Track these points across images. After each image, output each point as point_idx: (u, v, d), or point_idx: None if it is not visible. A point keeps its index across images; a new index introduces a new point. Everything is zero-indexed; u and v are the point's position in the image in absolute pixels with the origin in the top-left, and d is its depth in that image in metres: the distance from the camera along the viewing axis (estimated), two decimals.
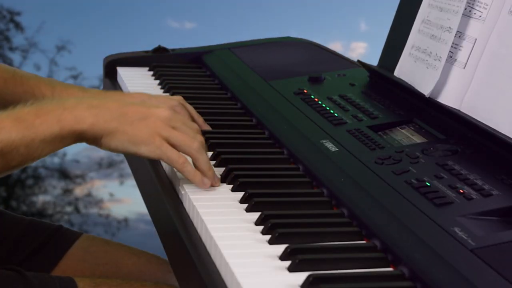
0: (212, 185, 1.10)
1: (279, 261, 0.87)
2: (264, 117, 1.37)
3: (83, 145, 1.11)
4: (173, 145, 1.08)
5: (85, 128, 1.06)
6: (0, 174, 1.06)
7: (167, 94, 1.56)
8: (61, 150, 1.19)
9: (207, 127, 1.33)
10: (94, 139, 1.07)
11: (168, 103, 1.26)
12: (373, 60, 1.53)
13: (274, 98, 1.46)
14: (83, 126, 1.05)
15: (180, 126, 1.10)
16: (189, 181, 1.09)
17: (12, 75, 1.40)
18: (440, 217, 0.93)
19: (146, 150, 1.07)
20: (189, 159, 1.10)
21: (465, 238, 0.87)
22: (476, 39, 1.23)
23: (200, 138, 1.11)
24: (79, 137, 1.07)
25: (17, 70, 1.43)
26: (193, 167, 1.09)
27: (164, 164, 1.21)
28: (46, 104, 1.07)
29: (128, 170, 1.48)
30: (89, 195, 5.34)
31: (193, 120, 1.33)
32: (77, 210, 5.21)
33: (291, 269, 0.85)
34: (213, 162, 1.19)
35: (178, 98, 1.35)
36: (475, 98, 1.20)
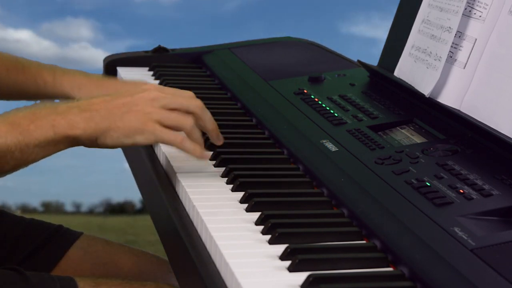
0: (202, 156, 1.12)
1: (279, 261, 0.87)
2: (264, 117, 1.37)
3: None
4: (167, 127, 1.09)
5: (79, 133, 1.07)
6: None
7: None
8: None
9: (220, 141, 1.20)
10: (90, 142, 1.08)
11: (155, 85, 1.16)
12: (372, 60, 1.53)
13: (274, 98, 1.46)
14: (76, 132, 1.06)
15: (170, 100, 1.10)
16: (189, 177, 1.11)
17: (14, 63, 1.40)
18: (440, 217, 0.93)
19: (141, 139, 1.08)
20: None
21: (465, 238, 0.87)
22: (476, 39, 1.23)
23: (196, 103, 1.12)
24: (73, 141, 1.08)
25: (19, 58, 1.43)
26: (191, 142, 1.10)
27: (163, 163, 1.21)
28: (39, 109, 1.08)
29: None
30: None
31: (207, 130, 1.17)
32: None
33: (291, 269, 0.85)
34: (213, 162, 1.19)
35: (191, 96, 1.32)
36: (475, 98, 1.20)
